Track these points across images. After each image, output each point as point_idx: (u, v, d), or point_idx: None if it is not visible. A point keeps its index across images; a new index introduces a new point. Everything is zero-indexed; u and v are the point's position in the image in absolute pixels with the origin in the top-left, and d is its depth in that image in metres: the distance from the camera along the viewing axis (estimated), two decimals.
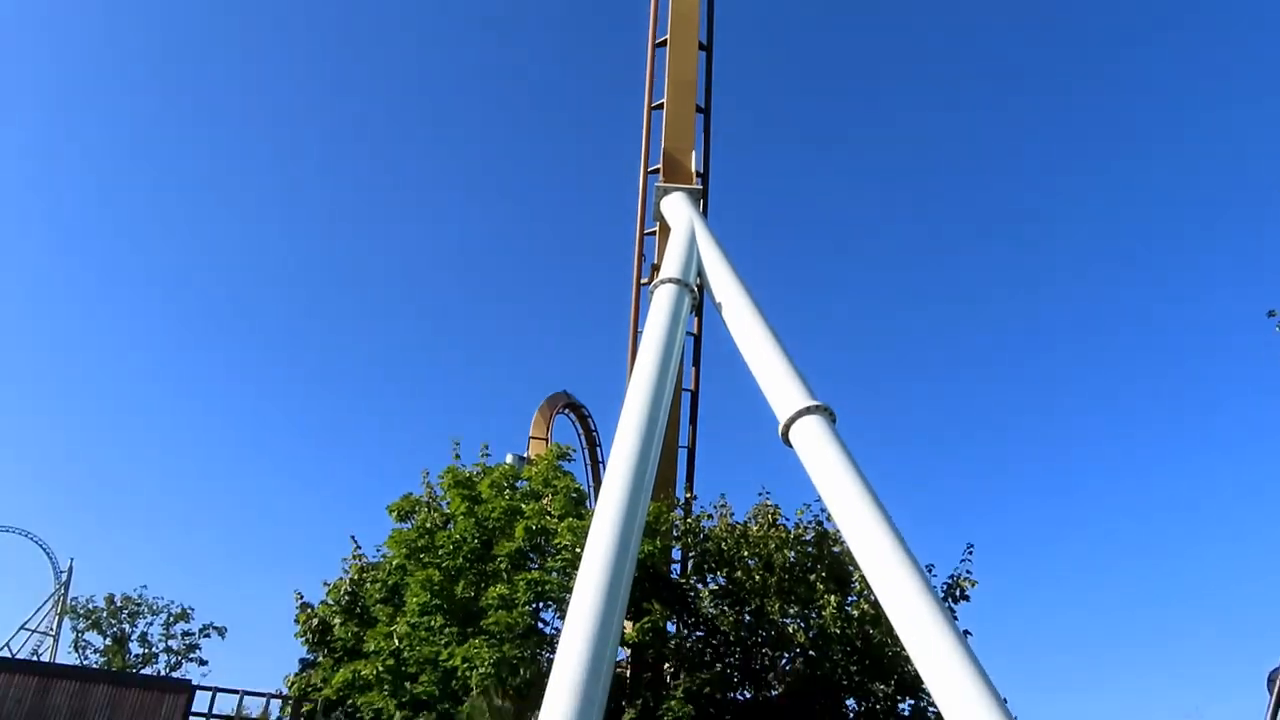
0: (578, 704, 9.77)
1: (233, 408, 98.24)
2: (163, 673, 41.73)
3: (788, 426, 13.33)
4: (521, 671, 15.90)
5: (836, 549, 18.90)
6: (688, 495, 21.39)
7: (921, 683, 17.04)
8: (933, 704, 16.94)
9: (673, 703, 16.48)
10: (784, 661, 18.06)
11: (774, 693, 17.60)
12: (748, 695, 17.84)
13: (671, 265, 16.70)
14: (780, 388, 13.89)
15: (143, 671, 41.03)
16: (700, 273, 17.04)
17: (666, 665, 18.75)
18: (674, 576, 19.63)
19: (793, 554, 18.84)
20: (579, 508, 19.48)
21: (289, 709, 22.52)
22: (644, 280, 22.96)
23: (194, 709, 20.82)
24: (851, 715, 17.70)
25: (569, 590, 16.64)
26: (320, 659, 21.20)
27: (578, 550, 17.19)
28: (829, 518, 18.63)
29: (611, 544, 11.50)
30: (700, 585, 19.22)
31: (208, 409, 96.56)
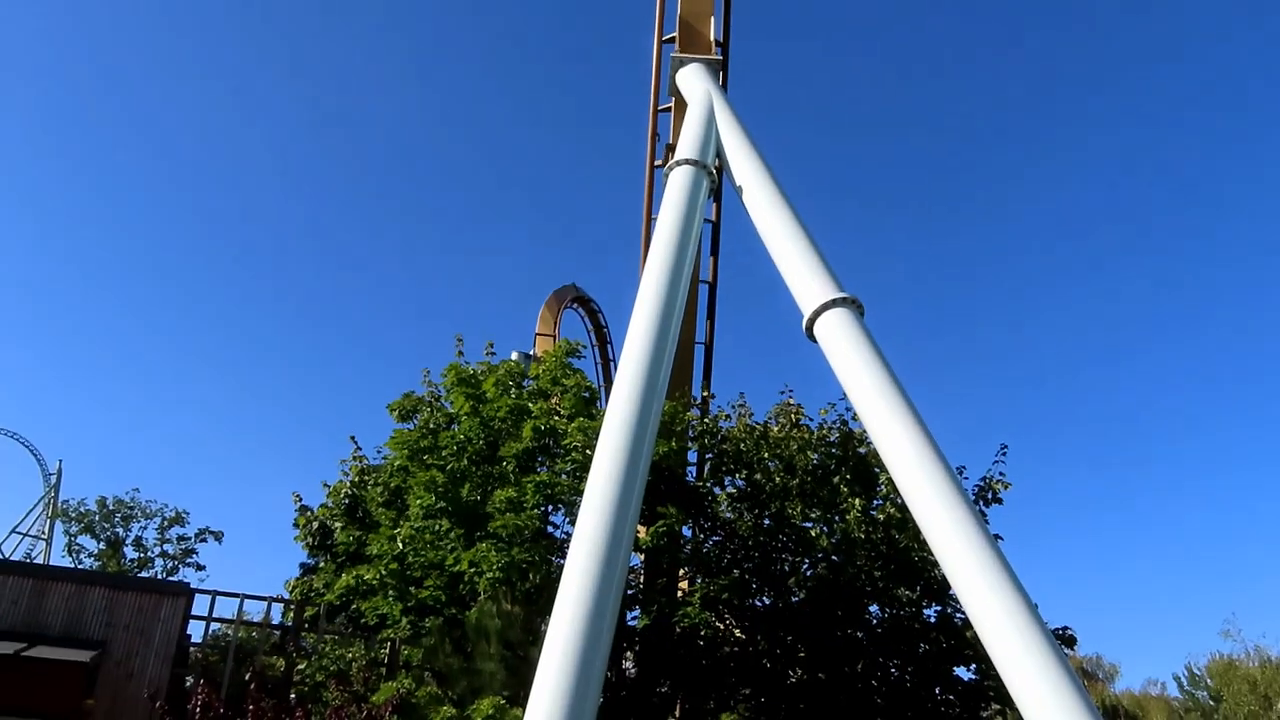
0: (589, 611, 9.95)
1: (226, 303, 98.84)
2: (160, 576, 43.18)
3: (813, 320, 13.19)
4: (531, 576, 16.30)
5: (862, 450, 19.10)
6: (705, 394, 21.51)
7: (949, 588, 17.40)
8: (960, 610, 17.42)
9: (689, 609, 16.89)
10: (805, 567, 18.47)
11: (795, 599, 18.05)
12: (767, 601, 18.33)
13: (687, 145, 16.30)
14: (805, 278, 13.69)
15: (139, 574, 42.44)
16: (719, 153, 16.65)
17: (682, 571, 19.22)
18: (690, 479, 19.94)
19: (816, 456, 19.04)
20: (589, 407, 19.65)
21: (291, 613, 23.31)
22: (658, 162, 22.55)
23: (193, 612, 21.58)
24: (875, 622, 18.20)
25: (579, 493, 16.91)
26: (321, 564, 21.82)
27: (588, 452, 17.40)
28: (855, 418, 18.99)
29: (624, 445, 11.52)
30: (718, 488, 19.52)
31: (198, 300, 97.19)
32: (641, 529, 17.60)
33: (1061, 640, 18.09)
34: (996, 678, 10.50)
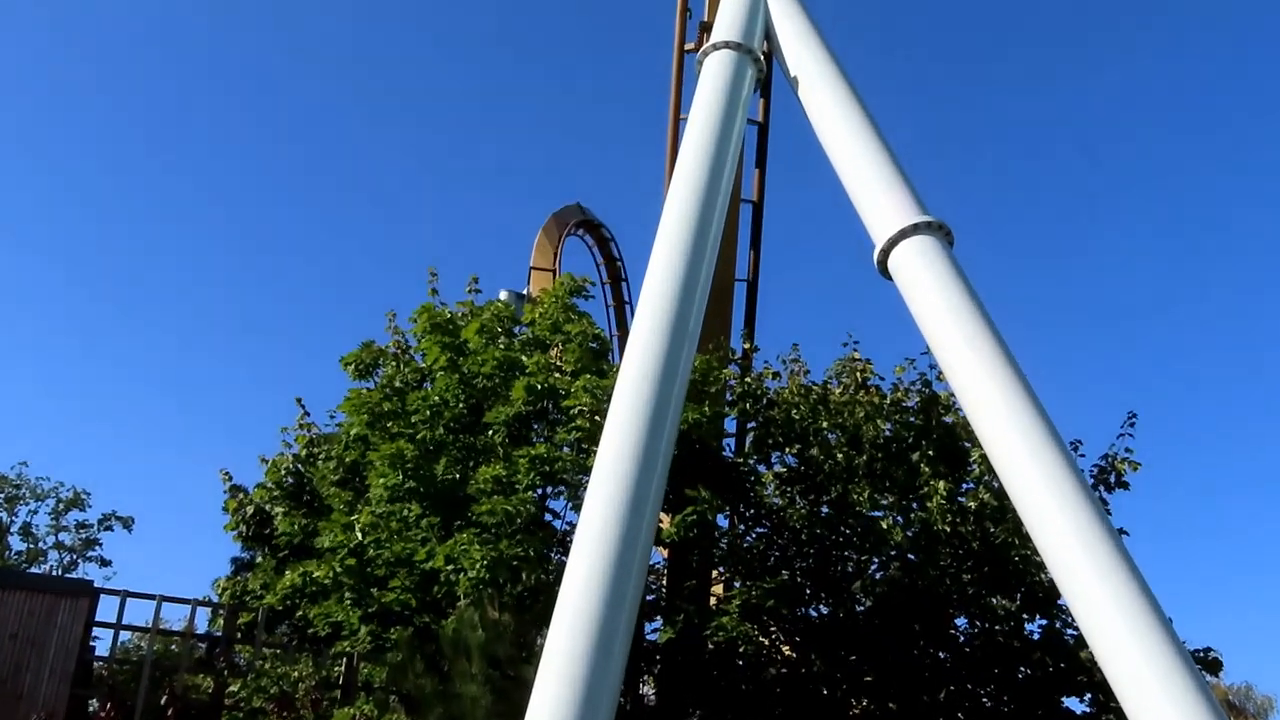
0: (597, 621, 9.97)
1: (134, 220, 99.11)
2: (55, 573, 43.88)
3: (888, 250, 13.14)
4: (524, 576, 16.38)
5: (949, 419, 19.07)
6: (747, 346, 21.49)
7: (1058, 597, 17.40)
8: (1072, 625, 17.44)
9: (724, 619, 16.90)
10: (874, 568, 18.48)
11: (860, 608, 18.07)
12: (825, 611, 18.35)
13: (728, 24, 16.08)
14: (879, 197, 13.60)
15: (29, 570, 43.14)
16: (769, 34, 16.45)
17: (716, 571, 19.27)
18: (727, 455, 19.92)
19: (889, 426, 19.04)
20: (599, 361, 19.63)
21: (220, 621, 23.62)
22: (689, 46, 22.33)
23: (97, 618, 21.87)
24: (962, 638, 18.20)
25: (586, 471, 16.92)
26: (259, 558, 22.02)
27: (597, 418, 17.35)
28: (940, 377, 18.89)
29: (643, 410, 11.53)
30: (762, 466, 19.52)
31: (94, 215, 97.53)
32: (664, 518, 17.53)
33: (1203, 665, 18.00)
34: (1117, 711, 10.48)
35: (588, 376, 18.33)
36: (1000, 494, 17.05)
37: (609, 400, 12.15)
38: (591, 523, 10.81)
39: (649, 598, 18.37)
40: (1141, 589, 10.18)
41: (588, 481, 11.62)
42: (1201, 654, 18.11)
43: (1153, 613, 10.03)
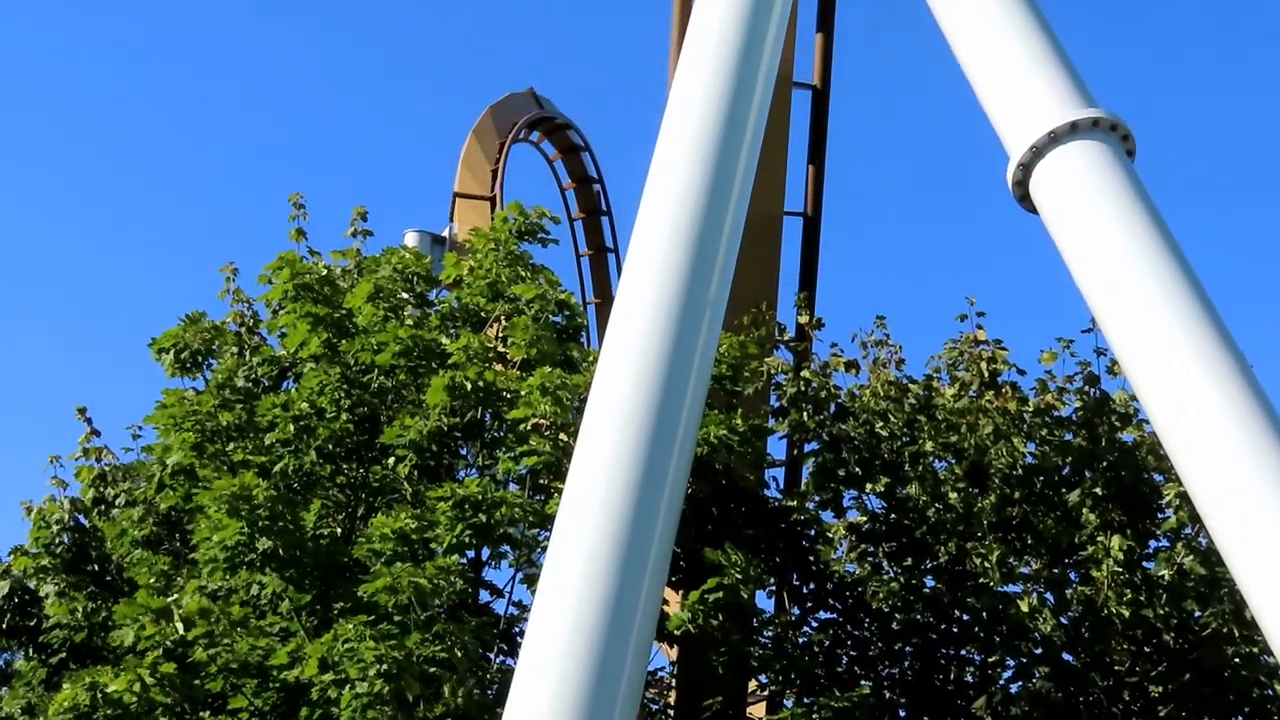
0: None
1: None
2: None
3: (1031, 164, 13.07)
4: (445, 690, 16.36)
5: (1128, 436, 19.13)
6: (804, 320, 21.61)
7: None
8: None
9: None
10: (1007, 675, 18.63)
11: None
12: None
13: None
14: (1020, 83, 13.55)
15: None
16: None
17: (755, 681, 19.42)
18: (773, 494, 19.96)
19: (1031, 447, 19.06)
20: (566, 346, 19.71)
21: None
22: None
23: None
24: None
25: (545, 521, 16.95)
26: (19, 662, 21.88)
27: (564, 437, 17.39)
28: (1113, 369, 19.04)
29: (636, 424, 11.56)
30: (829, 513, 19.60)
31: None
32: (672, 596, 17.67)
33: None
34: None
35: (548, 370, 18.32)
36: (1211, 557, 17.11)
37: (582, 408, 12.10)
38: (553, 606, 10.82)
39: None
40: None
41: (548, 539, 11.53)
42: None
43: None
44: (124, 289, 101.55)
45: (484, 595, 18.58)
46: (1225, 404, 11.30)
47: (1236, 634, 17.59)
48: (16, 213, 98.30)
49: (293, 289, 20.06)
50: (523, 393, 18.12)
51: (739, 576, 17.32)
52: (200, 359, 20.83)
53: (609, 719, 10.35)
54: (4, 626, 21.56)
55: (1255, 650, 17.40)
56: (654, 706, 18.95)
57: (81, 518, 21.47)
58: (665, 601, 16.18)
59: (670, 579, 16.02)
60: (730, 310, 13.93)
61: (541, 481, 17.99)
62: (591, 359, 17.99)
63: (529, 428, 18.04)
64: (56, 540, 21.24)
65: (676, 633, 17.54)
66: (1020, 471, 18.94)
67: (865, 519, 19.43)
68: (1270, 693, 17.85)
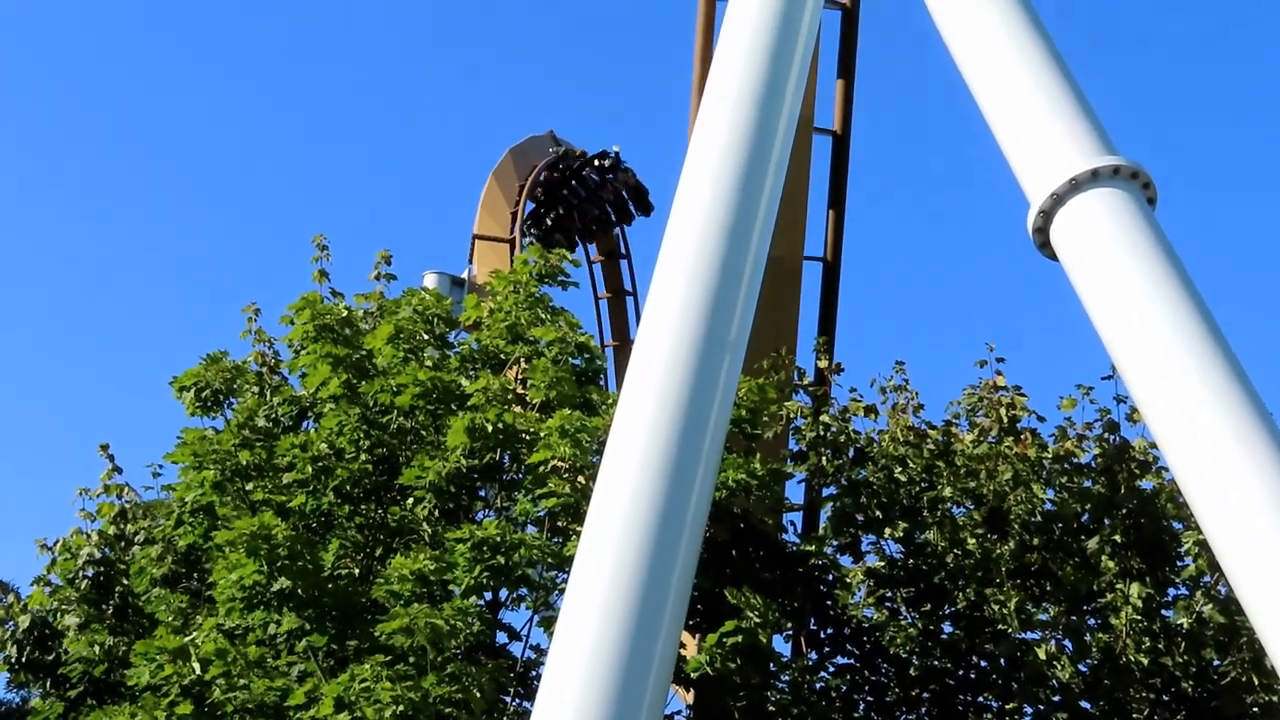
0: None
1: None
2: None
3: (1052, 211, 13.07)
4: None
5: (1148, 484, 19.06)
6: (823, 364, 21.61)
7: None
8: None
9: None
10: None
11: None
12: None
13: None
14: (1041, 130, 13.54)
15: None
16: None
17: None
18: (791, 538, 19.98)
19: (1051, 494, 19.10)
20: (586, 389, 19.67)
21: None
22: None
23: None
24: None
25: (564, 564, 16.91)
26: (35, 700, 21.84)
27: (583, 480, 17.34)
28: (1133, 416, 18.98)
29: (655, 468, 11.55)
30: (848, 558, 19.63)
31: None
32: (688, 641, 17.60)
33: None
34: None
35: (567, 413, 18.25)
36: (1231, 606, 17.02)
37: (600, 451, 12.09)
38: (570, 648, 10.83)
39: None
40: None
41: (566, 582, 11.50)
42: None
43: None
44: (149, 326, 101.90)
45: (501, 637, 18.56)
46: (1245, 453, 11.23)
47: (1256, 682, 17.56)
48: (39, 241, 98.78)
49: (313, 330, 20.05)
50: (542, 435, 18.08)
51: (757, 620, 17.29)
52: (220, 398, 20.85)
53: None
54: (24, 661, 21.53)
55: (1275, 699, 17.39)
56: None
57: (105, 552, 21.48)
58: (683, 645, 16.18)
59: (688, 622, 15.96)
60: (750, 354, 13.91)
61: (560, 524, 18.00)
62: (611, 401, 17.96)
63: (548, 470, 17.98)
64: (79, 576, 21.26)
65: (694, 676, 17.46)
66: (1039, 518, 18.93)
67: (883, 564, 19.46)
68: None
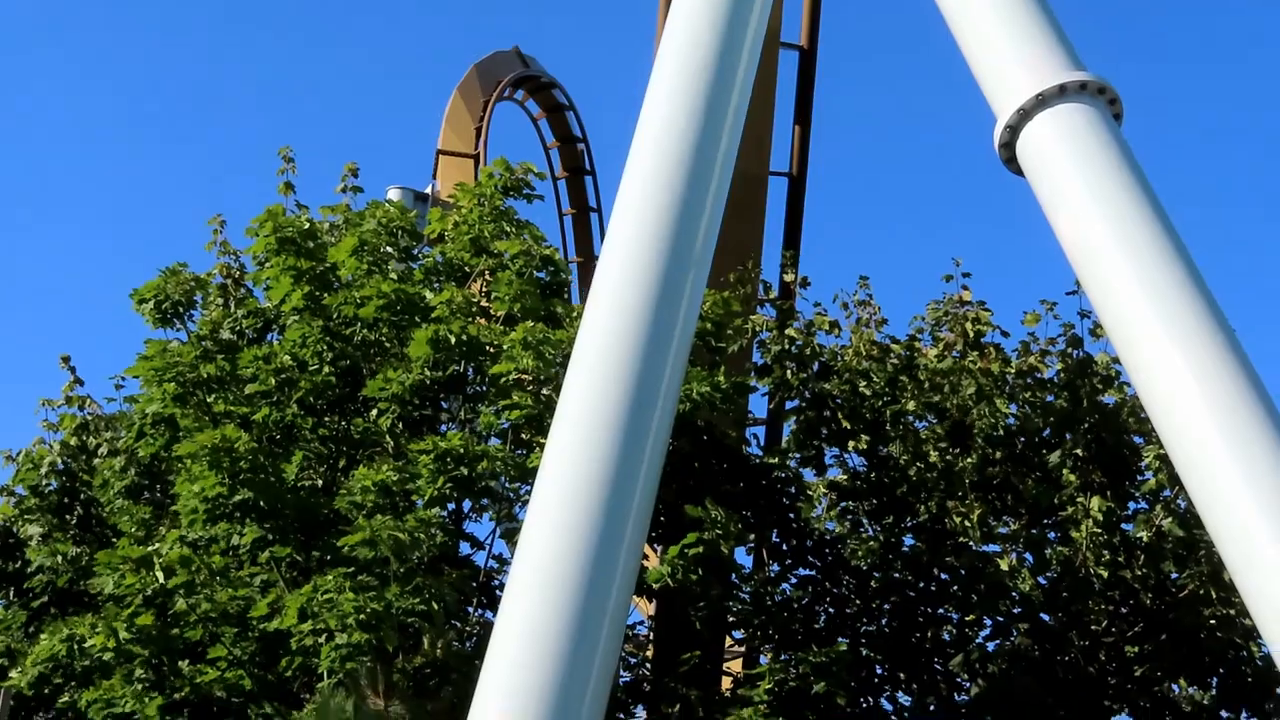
0: (540, 716, 9.98)
1: None
2: None
3: (1018, 126, 13.00)
4: (425, 642, 16.28)
5: (1110, 399, 19.19)
6: (788, 279, 21.63)
7: (1273, 685, 17.45)
8: None
9: (744, 712, 16.96)
10: (985, 633, 18.69)
11: (963, 696, 18.29)
12: (907, 701, 18.52)
13: None
14: (1008, 45, 13.45)
15: None
16: None
17: (734, 637, 19.51)
18: (754, 452, 20.00)
19: (1013, 408, 19.18)
20: (550, 301, 19.62)
21: None
22: None
23: None
24: None
25: (527, 476, 16.97)
26: (1, 610, 21.76)
27: (547, 392, 17.35)
28: (1096, 331, 19.14)
29: (619, 380, 11.49)
30: (811, 471, 19.68)
31: None
32: (650, 552, 17.66)
33: None
34: None
35: (531, 325, 18.16)
36: (1190, 520, 17.12)
37: (564, 364, 12.02)
38: (534, 558, 10.78)
39: (624, 678, 18.48)
40: None
41: (529, 493, 11.45)
42: None
43: None
44: (113, 238, 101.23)
45: (464, 548, 18.57)
46: (1206, 367, 11.22)
47: (1214, 595, 17.71)
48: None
49: (276, 242, 19.88)
50: (505, 347, 18.01)
51: (719, 532, 17.32)
52: (180, 310, 20.66)
53: (587, 672, 10.33)
54: None
55: (1232, 612, 17.46)
56: (632, 660, 18.96)
57: (67, 463, 21.40)
58: (644, 556, 16.29)
59: (650, 534, 15.99)
60: (715, 268, 13.87)
61: (523, 436, 17.99)
62: (575, 314, 17.89)
63: (511, 382, 17.94)
64: (44, 483, 21.17)
65: (655, 587, 17.55)
66: (1001, 432, 19.00)
67: (846, 477, 19.52)
68: (1245, 654, 17.92)
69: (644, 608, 19.54)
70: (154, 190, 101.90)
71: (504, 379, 18.01)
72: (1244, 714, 18.38)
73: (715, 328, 18.94)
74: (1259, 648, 17.22)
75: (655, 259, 12.15)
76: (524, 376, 17.82)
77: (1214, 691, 18.25)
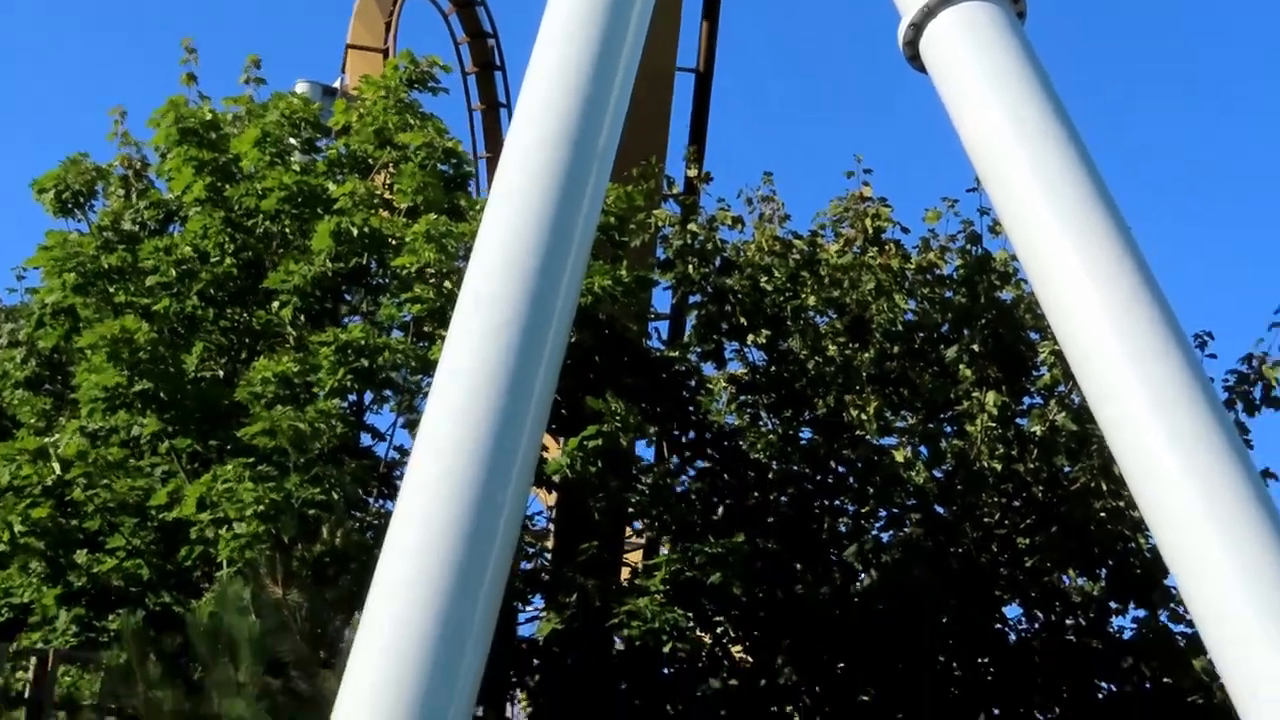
0: (437, 609, 9.86)
1: None
2: None
3: (921, 24, 13.01)
4: (324, 531, 16.29)
5: (1007, 295, 19.41)
6: (692, 174, 21.62)
7: (1165, 576, 17.64)
8: (1185, 618, 17.76)
9: (641, 601, 17.10)
10: (879, 525, 18.97)
11: (857, 585, 18.52)
12: (801, 592, 18.56)
13: None
14: None
15: None
16: None
17: (634, 528, 19.73)
18: (656, 346, 20.17)
19: (913, 304, 19.42)
20: (454, 194, 19.63)
21: None
22: None
23: None
24: (1016, 636, 18.83)
25: (428, 367, 16.96)
26: None
27: (449, 284, 17.39)
28: (995, 229, 19.27)
29: (521, 271, 11.41)
30: (711, 365, 19.83)
31: None
32: (551, 443, 17.77)
33: None
34: None
35: (434, 218, 18.16)
36: (1083, 415, 17.30)
37: (467, 257, 11.99)
38: (432, 448, 10.71)
39: (525, 566, 18.63)
40: None
41: (430, 385, 11.47)
42: None
43: None
44: (13, 127, 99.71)
45: (365, 439, 18.57)
46: (1102, 264, 11.34)
47: (1104, 489, 17.99)
48: None
49: (177, 134, 19.72)
50: (408, 240, 18.03)
51: (618, 425, 17.49)
52: (81, 200, 20.49)
53: (485, 560, 10.33)
54: None
55: (1121, 505, 17.71)
56: (530, 550, 19.09)
57: None
58: (545, 448, 16.26)
59: (550, 426, 16.05)
60: (620, 163, 13.88)
61: (425, 328, 18.03)
62: (478, 208, 17.87)
63: (413, 275, 17.97)
64: None
65: (555, 478, 17.77)
66: (900, 327, 19.24)
67: (746, 371, 19.69)
68: (1134, 546, 18.22)
69: (544, 499, 19.65)
70: (57, 81, 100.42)
71: (406, 271, 18.02)
72: (1131, 604, 18.66)
73: (618, 222, 19.02)
74: (1146, 540, 17.42)
75: (559, 151, 12.11)
76: (426, 269, 17.83)
77: (1102, 582, 18.57)
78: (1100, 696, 18.46)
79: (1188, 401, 10.81)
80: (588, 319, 17.84)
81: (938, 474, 18.54)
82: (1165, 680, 18.19)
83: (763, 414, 19.45)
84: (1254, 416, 19.10)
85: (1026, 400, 19.21)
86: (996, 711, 18.25)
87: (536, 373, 11.19)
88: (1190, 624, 17.19)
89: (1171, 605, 18.23)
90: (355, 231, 18.24)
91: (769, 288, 19.41)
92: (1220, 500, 10.42)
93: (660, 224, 20.18)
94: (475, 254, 11.83)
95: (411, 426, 17.65)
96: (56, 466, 17.64)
